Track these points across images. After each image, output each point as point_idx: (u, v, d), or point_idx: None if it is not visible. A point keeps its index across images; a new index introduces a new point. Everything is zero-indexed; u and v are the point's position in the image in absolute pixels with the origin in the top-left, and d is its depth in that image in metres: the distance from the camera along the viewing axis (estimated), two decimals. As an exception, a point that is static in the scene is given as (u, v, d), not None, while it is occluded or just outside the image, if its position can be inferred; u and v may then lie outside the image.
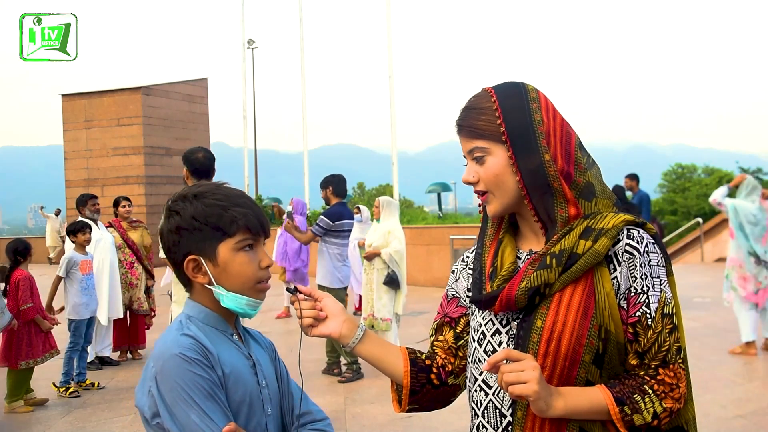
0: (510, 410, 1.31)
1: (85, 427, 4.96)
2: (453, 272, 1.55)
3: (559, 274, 1.28)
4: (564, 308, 1.27)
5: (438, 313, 1.56)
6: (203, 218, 1.35)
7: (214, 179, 4.30)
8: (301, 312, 1.43)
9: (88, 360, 6.40)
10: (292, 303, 1.45)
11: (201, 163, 4.29)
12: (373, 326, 6.32)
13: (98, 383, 6.00)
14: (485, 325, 1.39)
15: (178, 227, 1.37)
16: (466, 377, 1.47)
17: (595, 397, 1.25)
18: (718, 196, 6.68)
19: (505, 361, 1.21)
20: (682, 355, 1.30)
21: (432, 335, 1.55)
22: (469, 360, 1.43)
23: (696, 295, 9.61)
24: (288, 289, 1.46)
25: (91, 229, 6.08)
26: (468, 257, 1.54)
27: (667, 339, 1.28)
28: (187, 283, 1.41)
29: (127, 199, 7.50)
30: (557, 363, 1.26)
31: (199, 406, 1.25)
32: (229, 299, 1.36)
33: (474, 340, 1.41)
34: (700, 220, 17.33)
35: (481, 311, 1.41)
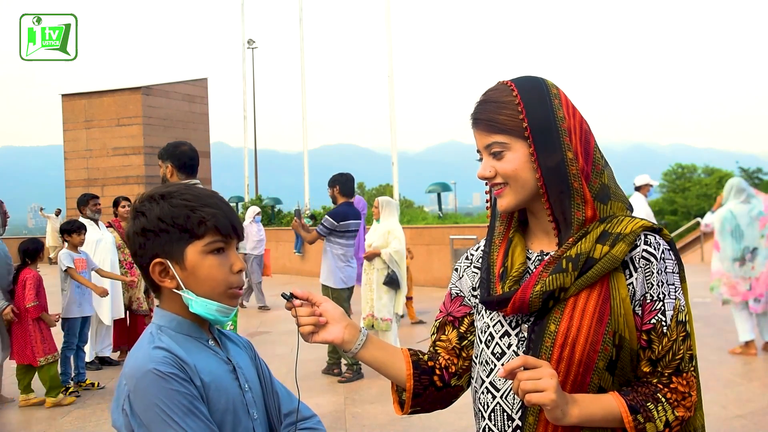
0: (519, 414, 1.29)
1: (85, 427, 4.96)
2: (456, 270, 1.52)
3: (575, 279, 1.25)
4: (579, 313, 1.25)
5: (440, 311, 1.52)
6: (170, 219, 1.29)
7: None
8: (298, 319, 1.37)
9: (88, 360, 6.41)
10: (288, 309, 1.39)
11: (190, 157, 4.03)
12: (373, 326, 6.32)
13: (98, 383, 6.00)
14: (493, 326, 1.36)
15: (144, 229, 1.30)
16: (471, 378, 1.44)
17: (609, 405, 1.23)
18: (707, 220, 6.80)
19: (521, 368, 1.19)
20: (693, 363, 1.29)
21: (434, 334, 1.52)
22: (476, 361, 1.41)
23: (696, 295, 9.60)
24: (283, 295, 1.39)
25: (86, 230, 6.08)
26: (473, 255, 1.50)
27: (681, 347, 1.26)
28: (155, 288, 1.35)
29: (126, 199, 7.50)
30: (571, 369, 1.24)
31: (177, 424, 1.18)
32: (198, 304, 1.30)
33: (481, 342, 1.38)
34: (700, 220, 17.31)
35: (488, 312, 1.38)
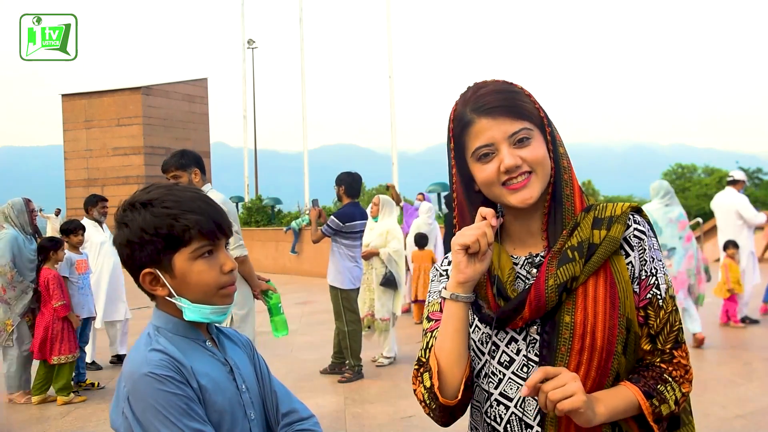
0: (537, 419, 1.26)
1: (85, 427, 4.95)
2: (433, 284, 1.45)
3: (583, 266, 1.25)
4: (591, 301, 1.25)
5: (435, 320, 1.40)
6: (153, 230, 1.26)
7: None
8: (487, 230, 1.23)
9: (89, 361, 6.45)
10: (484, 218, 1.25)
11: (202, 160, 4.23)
12: (369, 327, 6.30)
13: (98, 383, 6.01)
14: (496, 335, 1.31)
15: (129, 240, 1.28)
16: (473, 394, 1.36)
17: (627, 396, 1.24)
18: None
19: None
20: (683, 335, 1.33)
21: (429, 347, 1.37)
22: (479, 375, 1.34)
23: (696, 295, 9.60)
24: (497, 209, 1.31)
25: (84, 230, 6.12)
26: (446, 270, 1.42)
27: (676, 318, 1.31)
28: (150, 295, 1.34)
29: None
30: (594, 356, 1.23)
31: (175, 425, 1.19)
32: (191, 311, 1.29)
33: (484, 354, 1.32)
34: (700, 220, 17.28)
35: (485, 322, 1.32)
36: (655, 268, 1.30)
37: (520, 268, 1.34)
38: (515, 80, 1.36)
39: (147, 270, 1.29)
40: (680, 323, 1.31)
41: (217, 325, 1.42)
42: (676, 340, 1.30)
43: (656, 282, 1.30)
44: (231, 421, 1.30)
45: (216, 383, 1.29)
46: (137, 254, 1.28)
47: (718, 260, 12.21)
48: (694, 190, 39.93)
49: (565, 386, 1.13)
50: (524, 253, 1.35)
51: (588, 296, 1.25)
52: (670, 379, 1.27)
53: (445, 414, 1.31)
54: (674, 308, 1.31)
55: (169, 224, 1.26)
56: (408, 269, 8.49)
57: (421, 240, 8.19)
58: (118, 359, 6.79)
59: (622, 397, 1.24)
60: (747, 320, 7.80)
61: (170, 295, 1.29)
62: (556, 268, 1.25)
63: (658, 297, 1.29)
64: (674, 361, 1.29)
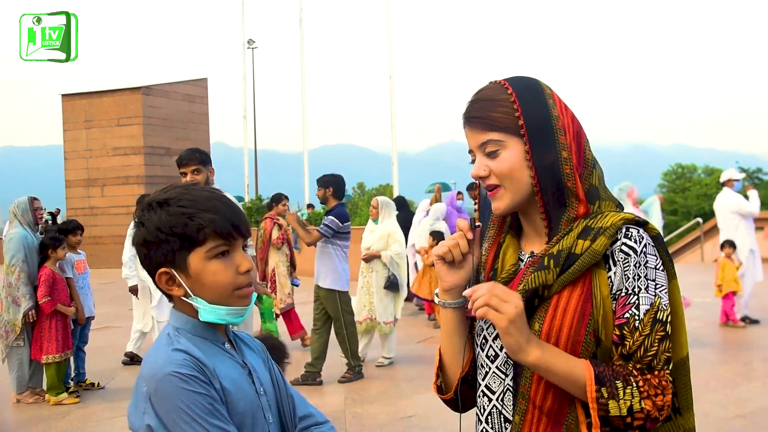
0: (512, 413, 1.29)
1: (85, 427, 4.95)
2: None
3: (557, 275, 1.23)
4: (560, 312, 1.24)
5: None
6: (168, 229, 1.26)
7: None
8: (459, 241, 1.32)
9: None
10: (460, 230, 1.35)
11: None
12: (367, 330, 6.28)
13: (98, 383, 6.00)
14: (486, 329, 1.36)
15: (145, 240, 1.29)
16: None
17: (574, 365, 1.19)
18: None
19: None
20: (669, 367, 1.23)
21: None
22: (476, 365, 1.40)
23: (696, 295, 9.60)
24: (472, 220, 1.36)
25: (82, 230, 6.17)
26: None
27: (655, 345, 1.21)
28: (167, 295, 1.34)
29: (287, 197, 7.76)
30: None
31: (200, 424, 1.19)
32: (207, 312, 1.29)
33: (476, 345, 1.38)
34: (700, 220, 17.31)
35: None
36: (638, 287, 1.22)
37: (523, 264, 1.35)
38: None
39: (163, 269, 1.29)
40: (663, 352, 1.21)
41: (233, 330, 1.43)
42: (649, 365, 1.20)
43: (636, 302, 1.22)
44: (252, 424, 1.30)
45: (237, 385, 1.29)
46: (153, 253, 1.29)
47: (717, 260, 12.18)
48: (694, 190, 39.98)
49: (505, 303, 1.18)
50: (530, 250, 1.37)
51: (558, 307, 1.24)
52: (634, 384, 1.17)
53: (450, 404, 1.45)
54: (659, 335, 1.21)
55: (184, 223, 1.26)
56: (417, 268, 8.44)
57: (438, 237, 8.15)
58: (131, 359, 6.80)
59: (569, 362, 1.19)
60: (747, 320, 7.78)
61: (186, 295, 1.29)
62: (530, 274, 1.26)
63: (636, 318, 1.21)
64: (645, 377, 1.19)
